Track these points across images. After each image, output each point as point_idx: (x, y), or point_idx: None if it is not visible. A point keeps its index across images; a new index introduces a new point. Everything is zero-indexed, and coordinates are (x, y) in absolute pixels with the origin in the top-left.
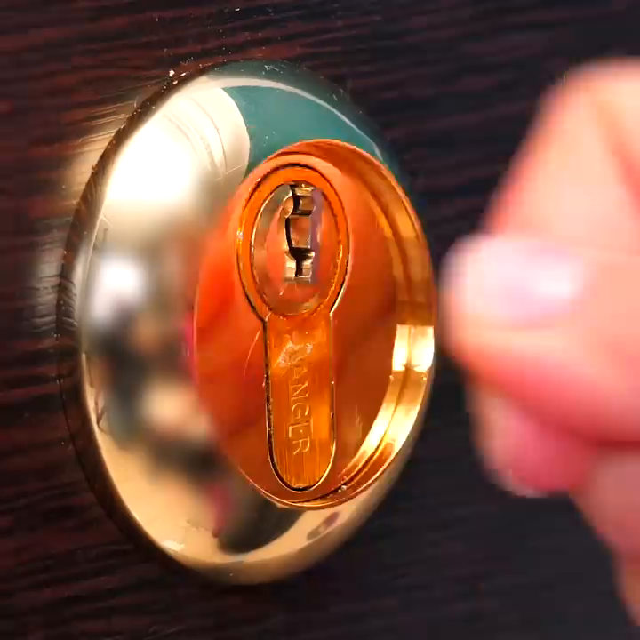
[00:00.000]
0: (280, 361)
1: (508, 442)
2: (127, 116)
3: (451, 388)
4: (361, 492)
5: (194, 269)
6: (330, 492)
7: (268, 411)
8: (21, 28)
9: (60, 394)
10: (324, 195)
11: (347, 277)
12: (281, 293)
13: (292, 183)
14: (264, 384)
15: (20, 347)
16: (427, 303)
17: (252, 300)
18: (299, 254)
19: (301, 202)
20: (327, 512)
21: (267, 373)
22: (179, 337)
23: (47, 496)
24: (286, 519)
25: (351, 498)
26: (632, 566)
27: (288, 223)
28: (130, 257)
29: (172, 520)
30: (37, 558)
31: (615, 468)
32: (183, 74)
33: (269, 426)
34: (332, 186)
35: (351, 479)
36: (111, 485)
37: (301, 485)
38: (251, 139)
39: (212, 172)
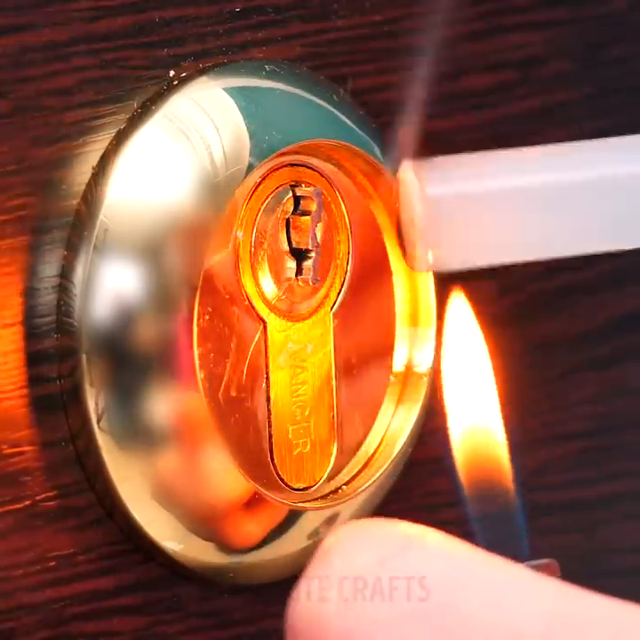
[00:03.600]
0: (280, 361)
1: None
2: (127, 116)
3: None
4: (361, 492)
5: (194, 269)
6: (330, 492)
7: (268, 411)
8: (21, 28)
9: (61, 394)
10: (323, 195)
11: (347, 277)
12: (281, 293)
13: (292, 183)
14: (264, 384)
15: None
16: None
17: (252, 300)
18: (299, 254)
19: (301, 202)
20: (327, 512)
21: (267, 373)
22: (179, 337)
23: (47, 496)
24: (286, 519)
25: (351, 498)
26: None
27: (288, 223)
28: (130, 257)
29: (172, 520)
30: (37, 558)
31: None
32: (183, 74)
33: (269, 426)
34: (332, 186)
35: (351, 479)
36: (111, 485)
37: (301, 485)
38: (251, 139)
39: (212, 172)
